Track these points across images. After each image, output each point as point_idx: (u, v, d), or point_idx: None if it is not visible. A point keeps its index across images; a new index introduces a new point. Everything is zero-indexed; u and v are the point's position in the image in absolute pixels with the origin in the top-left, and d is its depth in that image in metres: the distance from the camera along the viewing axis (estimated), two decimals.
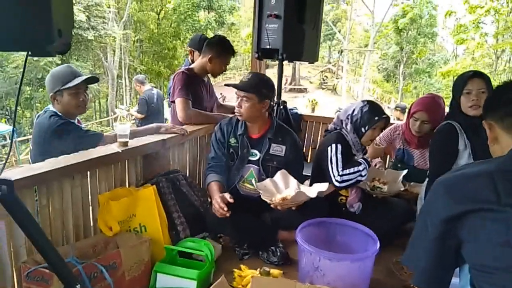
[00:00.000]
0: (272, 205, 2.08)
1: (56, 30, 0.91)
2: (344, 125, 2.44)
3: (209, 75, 2.92)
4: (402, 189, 2.45)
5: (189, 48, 3.35)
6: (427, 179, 2.31)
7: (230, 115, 2.62)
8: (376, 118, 2.34)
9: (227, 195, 2.08)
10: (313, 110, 19.29)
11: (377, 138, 2.95)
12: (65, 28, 0.97)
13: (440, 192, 1.04)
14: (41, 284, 1.40)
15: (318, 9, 3.09)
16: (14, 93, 15.32)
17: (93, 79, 2.26)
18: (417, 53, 25.91)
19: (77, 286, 1.22)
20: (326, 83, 32.76)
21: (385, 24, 25.01)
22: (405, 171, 2.53)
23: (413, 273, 1.13)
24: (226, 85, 2.39)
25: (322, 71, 34.43)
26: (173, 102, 2.75)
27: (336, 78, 32.14)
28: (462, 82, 2.13)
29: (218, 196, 2.10)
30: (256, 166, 2.37)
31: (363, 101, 2.44)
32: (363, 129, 2.35)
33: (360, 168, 2.28)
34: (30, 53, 0.93)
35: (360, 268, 1.63)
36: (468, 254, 1.00)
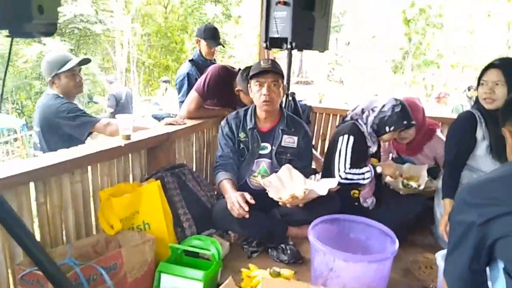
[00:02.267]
0: (280, 203, 1.99)
1: (36, 6, 0.80)
2: (364, 116, 2.32)
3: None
4: (433, 187, 2.29)
5: (196, 38, 3.28)
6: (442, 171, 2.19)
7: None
8: (405, 122, 2.25)
9: (247, 195, 1.97)
10: (320, 101, 19.08)
11: None
12: (49, 5, 0.85)
13: (468, 200, 1.00)
14: (36, 287, 1.31)
15: None
16: (24, 87, 15.41)
17: (86, 60, 2.35)
18: (426, 44, 25.42)
19: None
20: (333, 75, 32.41)
21: (393, 15, 24.58)
22: (426, 166, 2.40)
23: (448, 282, 1.05)
24: (251, 77, 2.20)
25: (329, 63, 34.08)
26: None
27: (343, 70, 31.76)
28: (482, 71, 1.99)
29: (238, 194, 1.98)
30: (268, 160, 2.27)
31: (396, 99, 2.30)
32: (387, 128, 2.25)
33: (364, 170, 2.19)
34: (9, 34, 0.82)
35: (378, 270, 1.52)
36: (502, 250, 0.94)
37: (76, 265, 1.36)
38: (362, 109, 2.33)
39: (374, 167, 2.23)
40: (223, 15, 23.10)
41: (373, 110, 2.27)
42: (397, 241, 1.63)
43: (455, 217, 1.02)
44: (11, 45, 0.92)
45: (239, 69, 2.69)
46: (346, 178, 2.19)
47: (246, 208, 1.92)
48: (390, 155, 2.78)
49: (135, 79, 20.20)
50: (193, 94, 2.62)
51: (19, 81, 16.54)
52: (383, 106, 2.24)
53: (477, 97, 2.02)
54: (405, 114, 2.24)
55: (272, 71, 2.16)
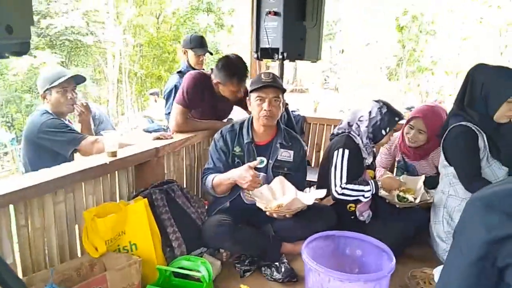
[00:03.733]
0: (267, 213, 1.94)
1: (4, 27, 0.75)
2: (354, 128, 2.28)
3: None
4: (430, 200, 2.22)
5: (183, 49, 3.25)
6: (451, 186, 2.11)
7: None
8: (397, 119, 2.24)
9: (249, 164, 2.06)
10: (315, 110, 19.12)
11: (379, 157, 2.80)
12: (18, 24, 0.80)
13: (479, 211, 0.88)
14: None
15: (319, 4, 2.93)
16: (15, 100, 15.32)
17: (80, 78, 2.35)
18: (419, 51, 25.66)
19: None
20: (328, 83, 32.58)
21: (386, 22, 24.85)
22: (423, 177, 2.34)
23: None
24: (252, 91, 2.17)
25: (323, 71, 34.28)
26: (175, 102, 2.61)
27: (338, 78, 31.94)
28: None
29: (246, 170, 2.03)
30: (263, 174, 2.21)
31: (377, 102, 2.27)
32: (383, 131, 2.22)
33: (365, 189, 2.14)
34: None
35: None
36: None
37: None
38: (348, 123, 2.29)
39: (377, 184, 2.17)
40: (216, 25, 23.19)
41: (361, 121, 2.24)
42: (394, 258, 1.57)
43: (461, 227, 0.94)
44: None
45: None
46: (343, 194, 2.14)
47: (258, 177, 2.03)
48: (397, 159, 2.73)
49: (127, 90, 20.13)
50: (176, 107, 2.53)
51: (9, 94, 16.42)
52: (370, 113, 2.22)
53: (455, 110, 2.02)
54: (392, 112, 2.22)
55: (273, 86, 2.12)
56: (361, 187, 2.14)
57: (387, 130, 2.19)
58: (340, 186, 2.13)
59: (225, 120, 2.87)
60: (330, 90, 30.44)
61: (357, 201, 2.21)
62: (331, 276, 1.44)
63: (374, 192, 2.16)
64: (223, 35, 21.69)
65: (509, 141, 1.96)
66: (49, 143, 2.10)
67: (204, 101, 2.59)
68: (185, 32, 22.14)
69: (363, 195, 2.15)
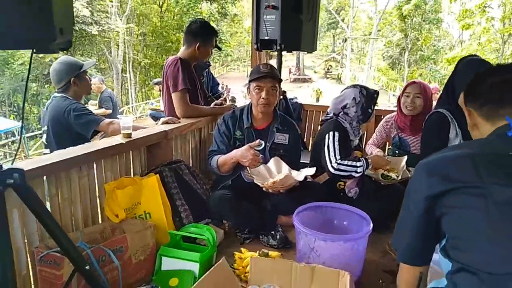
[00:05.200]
0: (264, 188, 2.18)
1: (58, 29, 0.99)
2: (343, 113, 2.52)
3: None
4: (410, 176, 2.49)
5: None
6: None
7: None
8: (376, 95, 2.53)
9: (251, 144, 2.28)
10: (317, 99, 19.26)
11: (374, 135, 3.05)
12: (66, 27, 1.04)
13: (423, 174, 1.10)
14: (53, 267, 1.49)
15: None
16: (21, 89, 15.55)
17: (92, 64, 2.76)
18: (422, 40, 25.63)
19: (86, 267, 1.32)
20: (331, 72, 32.59)
21: (389, 11, 24.79)
22: (405, 157, 2.58)
23: (398, 251, 1.20)
24: (252, 80, 2.40)
25: (326, 61, 34.26)
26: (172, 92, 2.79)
27: (341, 67, 31.95)
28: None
29: (247, 149, 2.25)
30: (262, 155, 2.46)
31: (354, 86, 2.57)
32: (370, 110, 2.51)
33: (358, 164, 2.35)
34: (34, 50, 1.01)
35: (354, 248, 1.71)
36: (447, 225, 1.06)
37: (87, 247, 1.55)
38: (334, 113, 2.53)
39: (367, 161, 2.41)
40: (219, 14, 23.21)
41: (346, 107, 2.47)
42: (370, 222, 1.82)
43: (409, 188, 1.14)
44: (30, 60, 1.11)
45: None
46: (339, 169, 2.35)
47: (258, 154, 2.25)
48: (392, 135, 2.97)
49: (131, 79, 20.31)
50: (175, 95, 2.74)
51: (15, 83, 16.62)
52: (353, 98, 2.48)
53: (443, 98, 2.21)
54: (370, 91, 2.53)
55: (270, 77, 2.35)
56: (354, 163, 2.37)
57: (372, 107, 2.49)
58: (336, 162, 2.35)
59: (228, 104, 3.14)
60: (332, 79, 30.55)
61: (350, 177, 2.44)
62: (316, 236, 1.69)
63: (365, 168, 2.39)
64: (225, 24, 21.70)
65: None
66: (75, 125, 2.35)
67: (191, 81, 2.82)
68: (188, 21, 22.29)
69: (355, 171, 2.36)
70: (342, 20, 29.02)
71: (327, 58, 34.50)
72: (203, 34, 2.82)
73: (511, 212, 0.94)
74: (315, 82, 28.35)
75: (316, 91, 21.04)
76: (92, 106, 6.08)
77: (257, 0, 3.03)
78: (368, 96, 2.48)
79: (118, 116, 2.32)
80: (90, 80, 2.61)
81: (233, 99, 3.43)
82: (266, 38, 3.01)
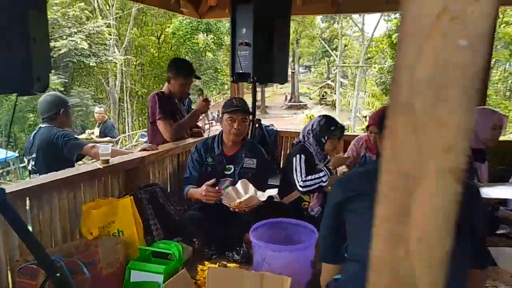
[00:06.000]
0: (231, 208, 2.40)
1: (36, 77, 1.25)
2: (306, 139, 2.78)
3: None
4: None
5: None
6: None
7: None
8: (332, 128, 2.73)
9: (208, 182, 2.49)
10: None
11: (348, 151, 3.30)
12: (43, 75, 1.31)
13: (334, 187, 1.45)
14: (30, 278, 1.70)
15: (285, 34, 3.45)
16: (19, 120, 15.82)
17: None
18: None
19: (57, 275, 1.53)
20: (325, 98, 33.17)
21: (380, 39, 25.61)
22: None
23: (319, 253, 1.46)
24: (225, 112, 2.69)
25: (321, 87, 34.93)
26: (153, 122, 3.10)
27: (335, 94, 32.54)
28: None
29: (204, 189, 2.48)
30: (231, 179, 2.69)
31: (319, 116, 2.80)
32: (323, 139, 2.72)
33: (321, 174, 2.60)
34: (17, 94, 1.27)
35: (300, 258, 1.92)
36: (348, 225, 1.35)
37: (61, 260, 1.74)
38: (303, 135, 2.79)
39: (328, 167, 2.64)
40: (214, 44, 23.89)
41: (308, 133, 2.73)
42: (317, 233, 2.04)
43: (327, 200, 1.45)
44: (16, 101, 1.37)
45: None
46: (306, 186, 2.59)
47: (214, 191, 2.49)
48: (361, 154, 3.22)
49: (128, 108, 20.71)
50: (159, 124, 3.07)
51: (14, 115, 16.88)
52: (312, 125, 2.73)
53: None
54: (328, 122, 2.74)
55: (241, 111, 2.64)
56: (317, 175, 2.60)
57: (326, 138, 2.70)
58: (302, 181, 2.60)
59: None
60: (327, 105, 31.06)
61: (320, 188, 2.64)
62: (267, 249, 1.91)
63: (329, 174, 2.60)
64: (221, 54, 22.34)
65: None
66: (64, 148, 2.63)
67: (172, 112, 3.14)
68: (185, 52, 22.89)
69: (322, 180, 2.59)
70: (335, 49, 29.90)
71: (322, 85, 35.20)
72: (171, 70, 3.18)
73: None
74: (310, 108, 28.86)
75: (310, 116, 21.44)
76: (92, 135, 6.12)
77: (232, 37, 3.35)
78: (324, 127, 2.71)
79: (96, 145, 2.57)
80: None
81: (200, 90, 3.54)
82: (241, 71, 3.31)
